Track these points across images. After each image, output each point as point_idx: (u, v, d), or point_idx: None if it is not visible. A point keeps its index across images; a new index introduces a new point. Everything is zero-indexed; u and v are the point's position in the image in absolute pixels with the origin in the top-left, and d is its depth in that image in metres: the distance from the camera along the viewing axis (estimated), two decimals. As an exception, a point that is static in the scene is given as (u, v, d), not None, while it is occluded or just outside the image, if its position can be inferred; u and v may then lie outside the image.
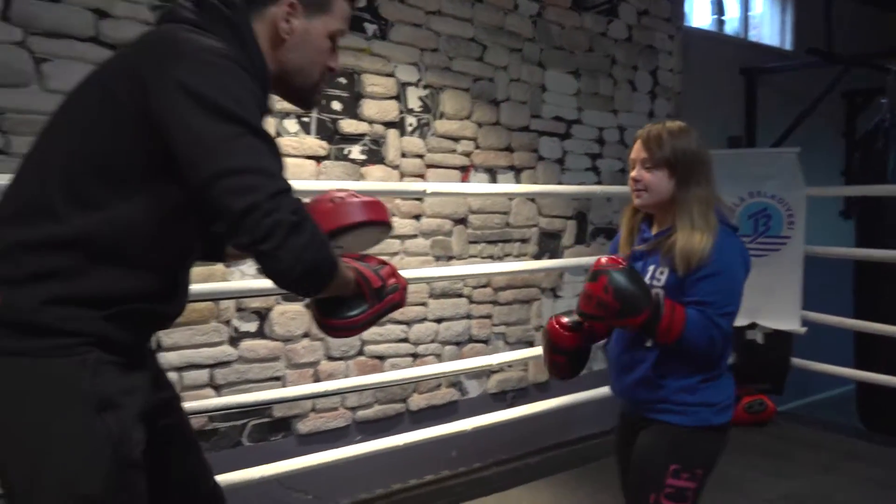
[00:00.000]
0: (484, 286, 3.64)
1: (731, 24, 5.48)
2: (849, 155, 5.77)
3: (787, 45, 5.79)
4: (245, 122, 1.16)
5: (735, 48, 5.22)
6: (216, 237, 1.41)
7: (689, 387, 1.79)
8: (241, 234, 1.14)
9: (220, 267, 2.74)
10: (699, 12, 5.32)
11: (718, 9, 5.35)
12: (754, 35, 5.68)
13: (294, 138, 2.98)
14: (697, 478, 1.77)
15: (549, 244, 3.91)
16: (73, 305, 1.18)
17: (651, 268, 1.82)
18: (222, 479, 1.97)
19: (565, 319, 1.93)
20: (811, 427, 4.05)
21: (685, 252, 1.75)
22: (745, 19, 5.51)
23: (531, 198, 3.80)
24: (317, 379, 3.04)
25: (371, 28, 3.18)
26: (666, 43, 4.48)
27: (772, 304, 3.56)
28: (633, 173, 1.86)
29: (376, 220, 1.49)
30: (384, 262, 1.45)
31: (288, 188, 1.18)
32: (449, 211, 3.48)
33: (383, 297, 1.40)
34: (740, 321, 3.72)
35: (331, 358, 3.11)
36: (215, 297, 2.72)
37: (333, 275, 1.25)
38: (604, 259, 1.75)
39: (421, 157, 3.38)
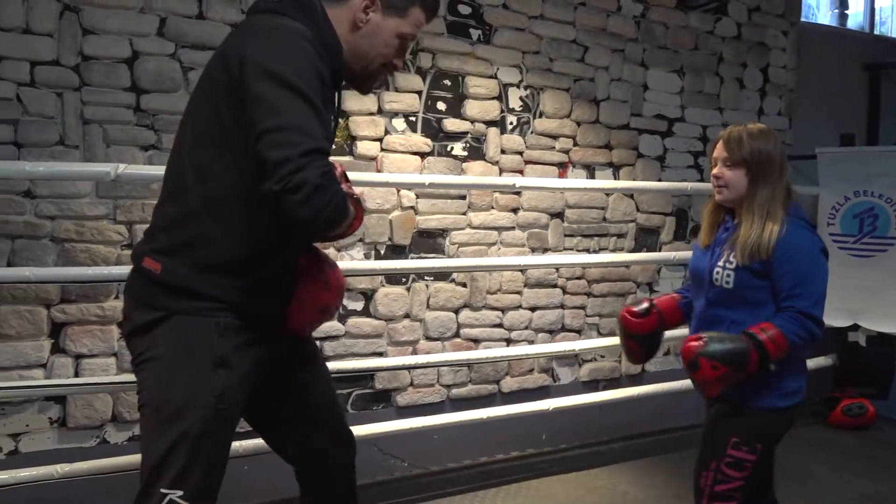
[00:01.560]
0: (578, 278, 3.79)
1: (856, 19, 5.27)
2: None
3: (921, 39, 5.48)
4: (297, 89, 1.35)
5: (857, 43, 5.02)
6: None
7: (762, 372, 1.89)
8: (272, 182, 1.31)
9: (330, 250, 3.07)
10: (822, 7, 5.16)
11: (841, 3, 5.16)
12: (883, 29, 5.42)
13: (401, 136, 3.26)
14: (757, 451, 1.91)
15: (646, 239, 3.99)
16: (214, 272, 1.45)
17: (727, 252, 1.98)
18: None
19: (635, 308, 2.16)
20: (919, 435, 3.91)
21: (742, 242, 1.92)
22: (871, 13, 5.27)
23: (629, 194, 3.90)
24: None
25: (476, 33, 3.41)
26: (779, 39, 4.41)
27: (876, 306, 3.47)
28: (714, 171, 2.05)
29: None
30: (343, 170, 1.68)
31: (322, 149, 1.35)
32: (546, 205, 3.66)
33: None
34: (842, 322, 3.67)
35: (429, 338, 3.38)
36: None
37: (344, 223, 1.46)
38: (693, 344, 1.87)
39: (520, 153, 3.58)
